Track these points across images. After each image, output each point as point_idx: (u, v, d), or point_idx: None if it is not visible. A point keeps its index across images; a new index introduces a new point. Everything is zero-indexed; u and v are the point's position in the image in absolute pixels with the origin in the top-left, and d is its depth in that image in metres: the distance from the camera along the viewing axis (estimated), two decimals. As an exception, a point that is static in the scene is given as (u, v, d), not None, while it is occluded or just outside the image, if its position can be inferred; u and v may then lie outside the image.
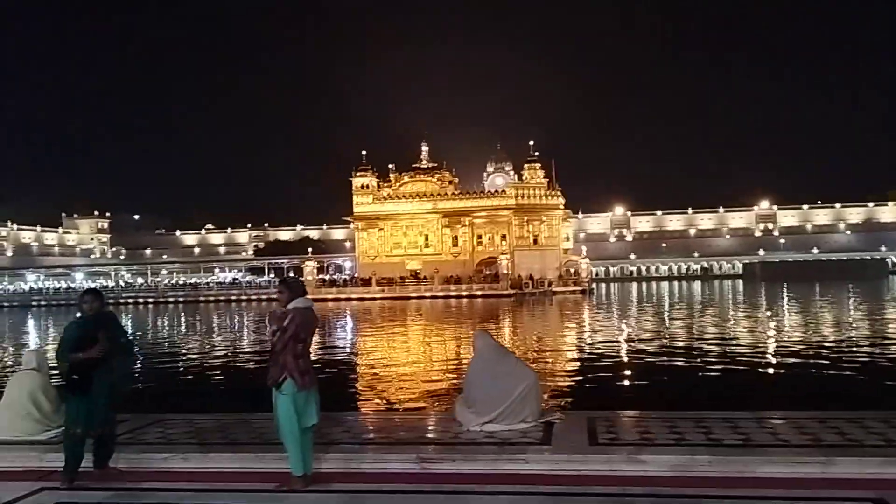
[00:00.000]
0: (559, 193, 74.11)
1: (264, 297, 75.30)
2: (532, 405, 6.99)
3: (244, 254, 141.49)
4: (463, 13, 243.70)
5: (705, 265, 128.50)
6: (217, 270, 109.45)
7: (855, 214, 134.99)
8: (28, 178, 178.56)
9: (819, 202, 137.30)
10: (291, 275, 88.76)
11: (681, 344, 23.79)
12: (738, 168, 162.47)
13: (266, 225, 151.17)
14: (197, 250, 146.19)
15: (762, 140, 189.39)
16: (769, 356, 20.20)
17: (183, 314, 56.49)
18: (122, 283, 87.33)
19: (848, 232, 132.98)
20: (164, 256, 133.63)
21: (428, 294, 67.74)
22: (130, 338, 6.58)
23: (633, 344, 24.63)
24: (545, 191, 73.46)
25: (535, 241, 72.48)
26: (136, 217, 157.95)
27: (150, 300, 76.73)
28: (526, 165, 74.50)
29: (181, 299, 76.38)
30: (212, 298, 76.02)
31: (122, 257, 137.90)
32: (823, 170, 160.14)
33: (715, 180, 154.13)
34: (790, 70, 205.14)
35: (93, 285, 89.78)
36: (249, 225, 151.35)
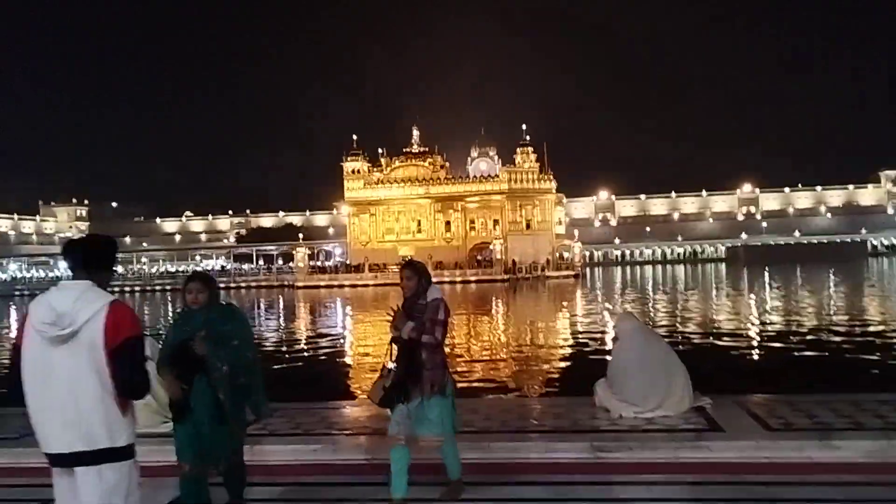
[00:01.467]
0: (551, 178, 73.80)
1: (253, 284, 74.40)
2: (690, 393, 6.56)
3: (226, 241, 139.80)
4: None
5: (695, 248, 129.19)
6: (199, 258, 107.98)
7: (836, 198, 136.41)
8: (4, 165, 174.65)
9: (800, 185, 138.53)
10: (265, 263, 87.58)
11: (702, 325, 23.91)
12: (721, 152, 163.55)
13: (248, 212, 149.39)
14: (178, 237, 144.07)
15: (745, 124, 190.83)
16: (797, 337, 20.13)
17: (178, 303, 55.61)
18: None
19: (829, 215, 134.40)
20: (144, 244, 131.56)
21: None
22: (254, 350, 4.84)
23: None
24: (537, 175, 73.10)
25: (528, 226, 72.22)
26: (115, 205, 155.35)
27: (137, 288, 75.38)
28: (518, 149, 74.05)
29: (168, 287, 75.14)
30: (200, 286, 74.83)
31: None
32: (805, 153, 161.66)
33: (698, 164, 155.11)
34: (772, 54, 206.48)
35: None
36: (231, 212, 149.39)
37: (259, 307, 46.57)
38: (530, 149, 73.58)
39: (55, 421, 2.97)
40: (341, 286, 67.22)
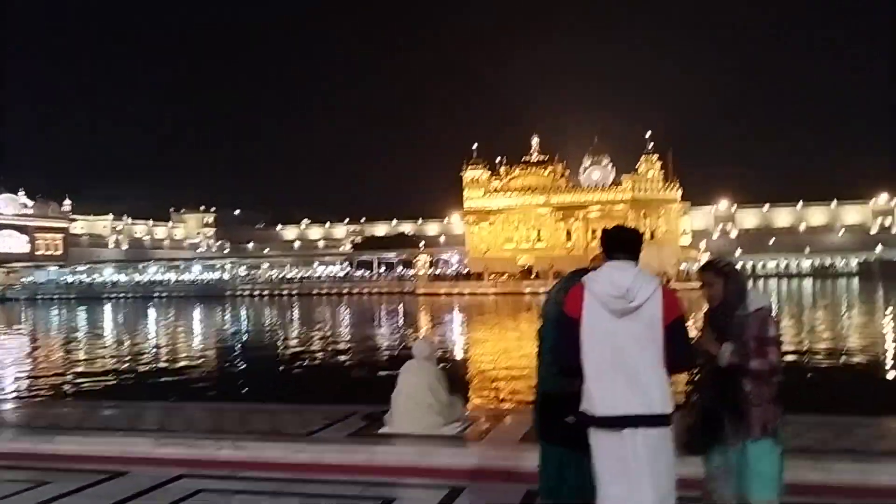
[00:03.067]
0: (677, 186, 71.60)
1: (374, 290, 76.02)
2: None
3: (342, 248, 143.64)
4: (574, 7, 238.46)
5: (823, 262, 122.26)
6: (316, 264, 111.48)
7: None
8: (139, 176, 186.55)
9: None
10: (386, 269, 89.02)
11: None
12: (852, 159, 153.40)
13: (363, 220, 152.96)
14: (297, 244, 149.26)
15: (878, 128, 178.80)
16: None
17: (327, 307, 57.37)
18: (238, 274, 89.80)
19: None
20: (267, 250, 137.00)
21: (542, 289, 66.56)
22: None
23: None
24: (662, 183, 71.11)
25: (652, 236, 70.24)
26: (237, 212, 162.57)
27: (266, 293, 78.47)
28: (643, 157, 72.27)
29: (295, 292, 77.89)
30: (324, 291, 77.19)
31: (226, 251, 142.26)
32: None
33: (827, 172, 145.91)
34: None
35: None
36: (347, 220, 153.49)
37: (400, 314, 47.49)
38: (655, 156, 71.65)
39: (617, 385, 3.16)
40: (461, 294, 67.59)
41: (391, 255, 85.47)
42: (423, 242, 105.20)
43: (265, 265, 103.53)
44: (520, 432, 6.64)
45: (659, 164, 71.48)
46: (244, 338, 32.10)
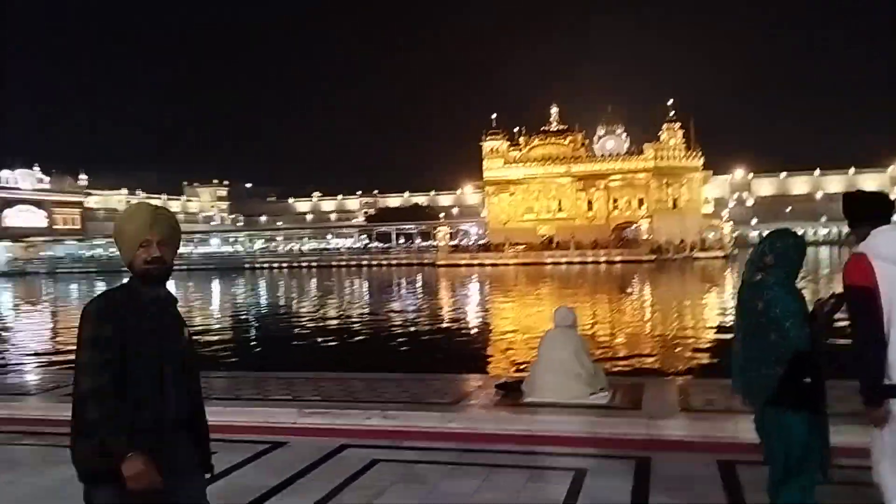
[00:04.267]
0: (699, 154, 70.85)
1: (394, 262, 75.94)
2: None
3: (355, 220, 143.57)
4: None
5: (840, 230, 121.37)
6: (330, 236, 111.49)
7: None
8: (153, 151, 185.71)
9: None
10: (405, 241, 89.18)
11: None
12: (869, 125, 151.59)
13: (376, 192, 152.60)
14: (310, 217, 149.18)
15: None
16: None
17: (354, 278, 57.42)
18: (257, 247, 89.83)
19: None
20: (280, 223, 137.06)
21: (564, 260, 66.36)
22: None
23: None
24: (684, 152, 70.38)
25: (675, 205, 69.72)
26: (248, 186, 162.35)
27: (285, 265, 78.53)
28: (665, 125, 71.45)
29: (314, 264, 77.92)
30: (343, 263, 77.17)
31: (240, 224, 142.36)
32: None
33: (845, 140, 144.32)
34: None
35: (227, 249, 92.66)
36: (360, 192, 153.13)
37: (440, 284, 47.47)
38: (677, 125, 70.84)
39: None
40: (482, 265, 67.41)
41: (410, 227, 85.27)
42: (442, 214, 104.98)
43: (280, 238, 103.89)
44: (674, 401, 6.44)
45: (681, 132, 70.60)
46: (317, 308, 31.75)
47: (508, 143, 74.96)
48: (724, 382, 5.89)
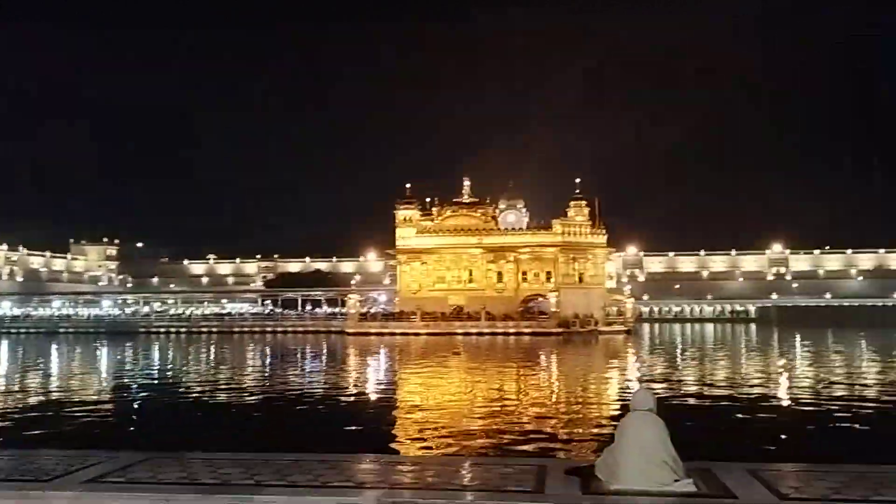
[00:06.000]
0: (603, 231, 73.83)
1: (300, 328, 74.01)
2: None
3: (253, 284, 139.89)
4: (507, 55, 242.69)
5: (724, 307, 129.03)
6: (224, 301, 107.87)
7: (866, 261, 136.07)
8: (36, 205, 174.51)
9: (828, 247, 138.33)
10: (312, 308, 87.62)
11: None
12: (749, 212, 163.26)
13: (275, 256, 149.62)
14: (205, 280, 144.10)
15: (775, 182, 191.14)
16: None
17: (257, 344, 55.26)
18: (154, 310, 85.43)
19: (860, 278, 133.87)
20: (172, 286, 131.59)
21: (474, 330, 66.70)
22: None
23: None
24: (589, 228, 73.15)
25: (580, 279, 71.89)
26: (140, 245, 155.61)
27: (183, 329, 74.94)
28: (572, 202, 74.23)
29: (215, 329, 74.79)
30: (246, 329, 74.45)
31: (129, 285, 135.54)
32: (834, 215, 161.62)
33: (728, 222, 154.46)
34: (797, 118, 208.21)
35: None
36: (259, 255, 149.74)
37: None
38: (583, 202, 73.77)
39: None
40: (392, 334, 66.74)
41: (317, 293, 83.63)
42: (354, 281, 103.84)
43: (171, 301, 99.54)
44: (763, 489, 6.32)
45: (587, 209, 73.54)
46: (209, 377, 30.26)
47: (421, 212, 75.63)
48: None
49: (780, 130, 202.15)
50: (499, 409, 19.48)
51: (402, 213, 74.79)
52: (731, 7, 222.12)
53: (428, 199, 77.98)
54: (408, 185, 75.99)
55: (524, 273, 73.49)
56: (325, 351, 49.39)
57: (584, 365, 38.67)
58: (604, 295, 73.07)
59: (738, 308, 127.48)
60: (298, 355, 45.92)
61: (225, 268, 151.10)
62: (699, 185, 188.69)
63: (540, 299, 73.36)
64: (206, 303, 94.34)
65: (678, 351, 48.82)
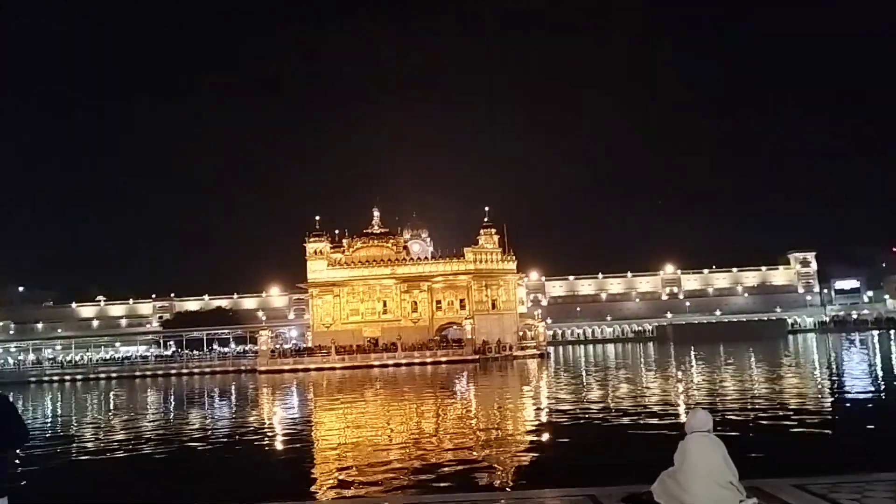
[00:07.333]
0: (513, 258, 75.16)
1: (207, 369, 70.91)
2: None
3: (148, 326, 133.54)
4: (419, 82, 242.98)
5: (623, 328, 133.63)
6: (118, 344, 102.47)
7: (751, 278, 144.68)
8: None
9: (715, 266, 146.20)
10: (219, 347, 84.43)
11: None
12: (643, 234, 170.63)
13: (172, 295, 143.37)
14: (96, 323, 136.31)
15: (667, 205, 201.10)
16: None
17: (160, 389, 52.54)
18: (45, 357, 79.78)
19: (746, 295, 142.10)
20: (59, 331, 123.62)
21: (391, 361, 66.07)
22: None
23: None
24: (500, 255, 74.30)
25: (494, 306, 72.74)
26: (21, 289, 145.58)
27: (80, 376, 70.28)
28: (482, 231, 75.21)
29: (114, 375, 70.60)
30: (149, 373, 70.70)
31: (11, 332, 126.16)
32: (722, 235, 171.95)
33: (624, 246, 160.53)
34: (693, 139, 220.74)
35: None
36: (154, 295, 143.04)
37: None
38: (493, 230, 74.94)
39: None
40: (307, 370, 65.13)
41: (224, 331, 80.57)
42: (264, 318, 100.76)
43: (58, 346, 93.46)
44: None
45: (497, 237, 74.73)
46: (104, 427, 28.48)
47: (331, 244, 74.64)
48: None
49: (669, 161, 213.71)
50: (419, 441, 19.52)
51: (312, 246, 73.51)
52: (621, 51, 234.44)
53: (338, 231, 77.21)
54: (317, 218, 74.92)
55: (438, 302, 73.68)
56: (235, 391, 47.68)
57: (501, 390, 39.24)
58: (517, 320, 74.22)
59: (637, 328, 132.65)
60: (207, 398, 44.10)
61: (117, 309, 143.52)
62: (596, 212, 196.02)
63: (455, 327, 73.69)
64: (101, 347, 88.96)
65: (594, 371, 50.10)
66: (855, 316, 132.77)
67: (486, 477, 13.84)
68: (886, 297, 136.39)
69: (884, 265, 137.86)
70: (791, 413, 21.40)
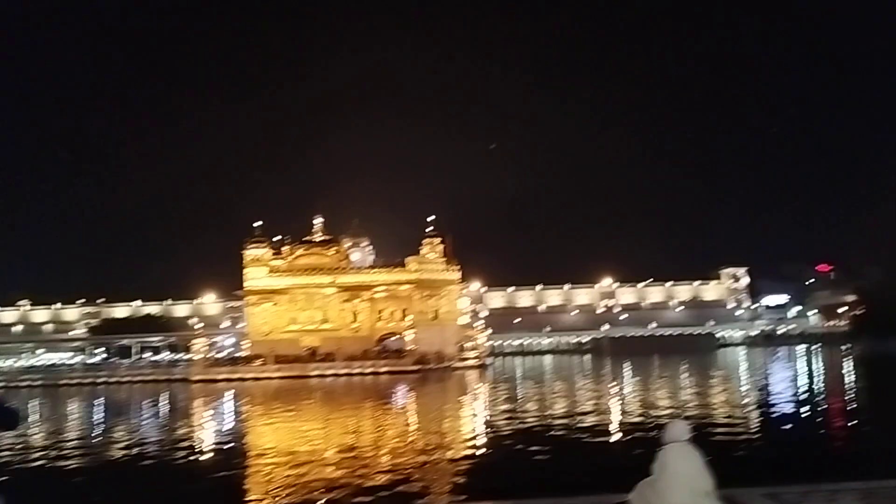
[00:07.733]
0: (457, 268, 74.96)
1: (138, 378, 68.28)
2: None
3: (73, 332, 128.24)
4: (366, 92, 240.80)
5: (560, 339, 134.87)
6: (42, 351, 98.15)
7: (683, 292, 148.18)
8: None
9: (651, 280, 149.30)
10: (150, 355, 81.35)
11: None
12: (581, 246, 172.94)
13: (100, 301, 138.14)
14: (18, 328, 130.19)
15: (605, 218, 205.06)
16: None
17: (88, 399, 50.32)
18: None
19: (679, 308, 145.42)
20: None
21: (329, 372, 64.94)
22: None
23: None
24: (444, 265, 74.01)
25: (436, 316, 72.31)
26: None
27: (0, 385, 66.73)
28: (425, 241, 74.78)
29: (38, 383, 67.30)
30: (75, 381, 67.68)
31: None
32: (658, 249, 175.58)
33: (562, 257, 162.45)
34: (626, 156, 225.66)
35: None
36: (81, 301, 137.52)
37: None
38: (437, 239, 74.59)
39: None
40: (242, 379, 63.44)
41: (156, 339, 77.84)
42: (201, 324, 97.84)
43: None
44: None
45: (440, 247, 74.42)
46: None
47: (272, 251, 73.04)
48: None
49: (609, 176, 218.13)
50: (355, 454, 19.30)
51: (251, 253, 71.80)
52: (558, 66, 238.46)
53: (278, 238, 75.61)
54: (256, 224, 73.18)
55: (380, 312, 72.88)
56: (166, 402, 46.14)
57: (440, 402, 39.13)
58: (458, 331, 73.93)
59: (574, 340, 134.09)
60: (135, 408, 42.47)
61: (41, 314, 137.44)
62: (537, 224, 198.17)
63: (395, 337, 72.98)
64: (23, 354, 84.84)
65: (531, 384, 50.34)
66: (783, 330, 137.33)
67: (421, 492, 13.59)
68: (810, 313, 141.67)
69: (810, 282, 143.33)
70: (718, 424, 21.89)
